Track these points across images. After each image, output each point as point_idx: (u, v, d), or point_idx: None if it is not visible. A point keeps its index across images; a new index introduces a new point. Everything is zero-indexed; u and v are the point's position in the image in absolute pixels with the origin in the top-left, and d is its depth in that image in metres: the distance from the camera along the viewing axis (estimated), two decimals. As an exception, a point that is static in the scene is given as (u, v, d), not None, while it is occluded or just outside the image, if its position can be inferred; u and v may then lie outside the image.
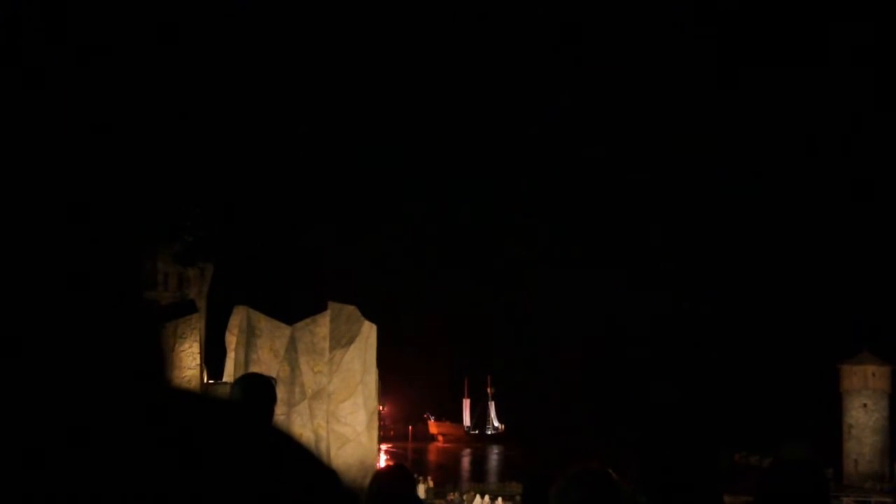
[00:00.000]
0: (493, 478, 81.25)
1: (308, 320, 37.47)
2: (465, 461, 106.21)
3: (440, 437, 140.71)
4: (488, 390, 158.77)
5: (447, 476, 74.39)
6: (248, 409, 0.64)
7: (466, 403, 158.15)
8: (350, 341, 37.53)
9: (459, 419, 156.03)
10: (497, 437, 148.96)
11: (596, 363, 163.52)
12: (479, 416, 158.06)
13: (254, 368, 34.12)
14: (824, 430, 75.51)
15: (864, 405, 71.89)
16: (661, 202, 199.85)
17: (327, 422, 36.49)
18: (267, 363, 35.27)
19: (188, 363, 33.72)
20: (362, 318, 38.20)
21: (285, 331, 36.93)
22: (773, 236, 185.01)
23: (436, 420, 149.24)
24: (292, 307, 38.87)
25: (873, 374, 71.70)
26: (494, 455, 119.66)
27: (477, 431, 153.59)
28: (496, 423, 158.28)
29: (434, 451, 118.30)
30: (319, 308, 38.04)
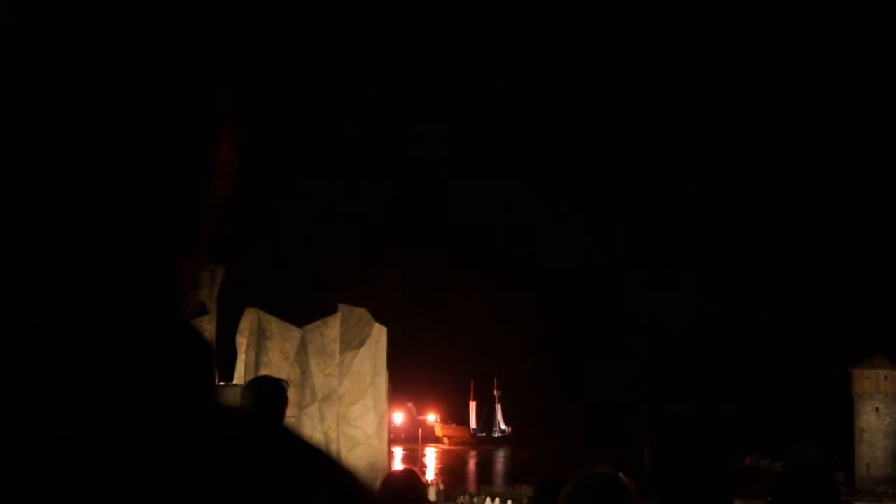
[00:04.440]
0: (498, 480, 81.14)
1: (319, 322, 37.52)
2: (472, 464, 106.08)
3: (446, 440, 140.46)
4: (495, 393, 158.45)
5: (455, 479, 74.36)
6: (260, 411, 0.67)
7: (473, 406, 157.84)
8: (360, 344, 37.56)
9: (465, 422, 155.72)
10: (504, 440, 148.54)
11: (604, 365, 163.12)
12: (486, 419, 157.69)
13: (264, 370, 34.17)
14: (836, 434, 75.13)
15: (877, 409, 71.49)
16: (670, 206, 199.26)
17: (337, 424, 36.51)
18: (277, 365, 35.31)
19: (199, 365, 33.74)
20: (373, 321, 38.22)
21: (296, 333, 36.98)
22: (785, 240, 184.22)
23: (442, 422, 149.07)
24: (303, 309, 38.98)
25: (885, 378, 71.30)
26: (501, 458, 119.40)
27: (483, 434, 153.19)
28: (502, 426, 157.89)
29: (440, 453, 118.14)
30: (330, 310, 38.09)
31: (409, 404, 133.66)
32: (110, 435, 0.54)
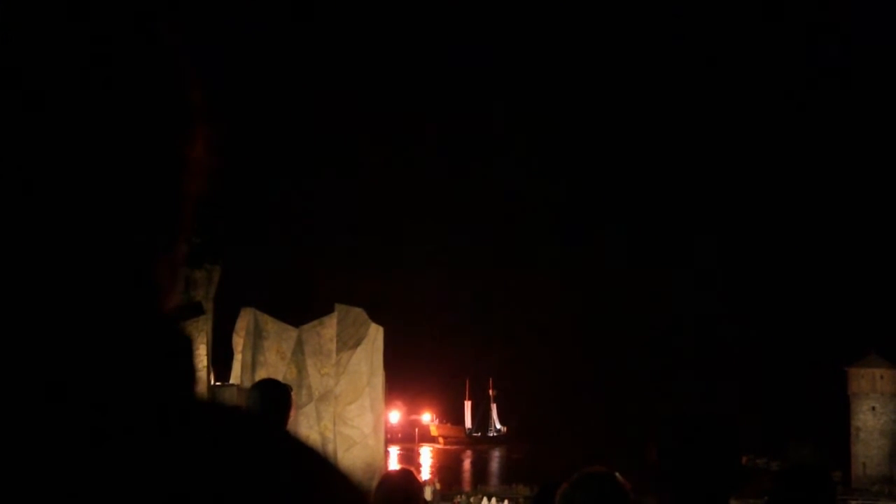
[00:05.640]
0: (493, 480, 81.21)
1: (315, 322, 37.50)
2: (467, 463, 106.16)
3: (441, 440, 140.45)
4: (490, 392, 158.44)
5: (451, 478, 74.41)
6: (265, 413, 0.67)
7: (468, 405, 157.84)
8: (357, 343, 37.55)
9: (461, 421, 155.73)
10: (499, 440, 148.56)
11: (600, 365, 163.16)
12: (481, 419, 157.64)
13: (261, 370, 34.17)
14: (832, 433, 75.24)
15: (873, 408, 71.63)
16: (669, 206, 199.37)
17: (334, 424, 36.51)
18: (274, 365, 35.30)
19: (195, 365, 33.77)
20: (369, 321, 38.21)
21: (292, 333, 36.96)
22: (782, 240, 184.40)
23: (438, 421, 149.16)
24: (299, 309, 38.97)
25: (881, 377, 71.44)
26: (496, 457, 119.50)
27: (479, 433, 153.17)
28: (498, 426, 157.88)
29: (436, 453, 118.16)
30: (327, 310, 38.09)
31: (398, 402, 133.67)
32: (89, 435, 0.53)
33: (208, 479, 0.55)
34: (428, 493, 41.46)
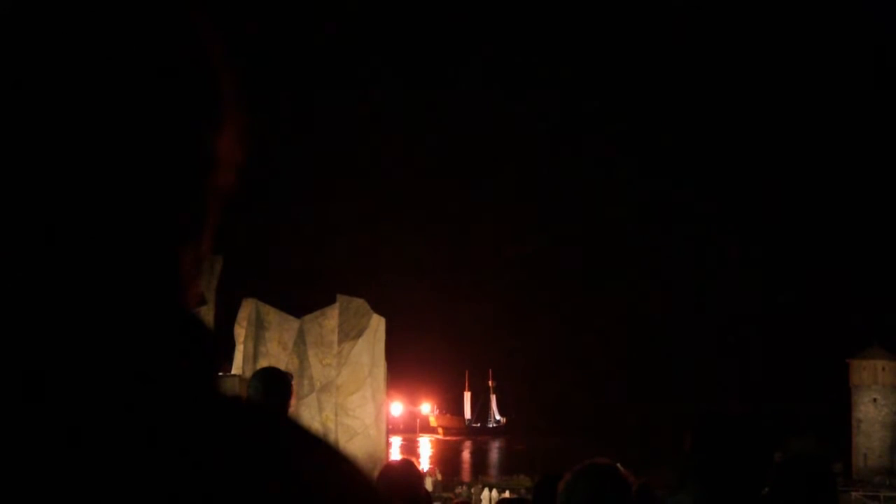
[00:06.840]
0: (492, 471, 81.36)
1: (317, 313, 37.55)
2: (467, 454, 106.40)
3: (441, 430, 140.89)
4: (489, 383, 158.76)
5: (451, 469, 74.58)
6: (266, 402, 0.68)
7: (467, 396, 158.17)
8: (359, 334, 37.59)
9: (460, 412, 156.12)
10: (498, 431, 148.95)
11: (601, 359, 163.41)
12: (481, 410, 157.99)
13: (262, 361, 34.23)
14: (833, 424, 75.32)
15: (874, 400, 71.68)
16: (664, 198, 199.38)
17: (336, 414, 36.59)
18: (275, 356, 35.36)
19: (197, 355, 33.81)
20: (371, 311, 38.25)
21: (294, 323, 37.02)
22: (783, 231, 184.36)
23: (438, 412, 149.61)
24: (301, 300, 39.05)
25: (883, 369, 71.46)
26: (496, 448, 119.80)
27: (478, 424, 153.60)
28: (497, 417, 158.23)
29: (436, 443, 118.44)
30: (328, 301, 38.13)
31: (397, 393, 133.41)
32: (115, 425, 0.54)
33: (219, 468, 0.55)
34: (429, 484, 41.55)
